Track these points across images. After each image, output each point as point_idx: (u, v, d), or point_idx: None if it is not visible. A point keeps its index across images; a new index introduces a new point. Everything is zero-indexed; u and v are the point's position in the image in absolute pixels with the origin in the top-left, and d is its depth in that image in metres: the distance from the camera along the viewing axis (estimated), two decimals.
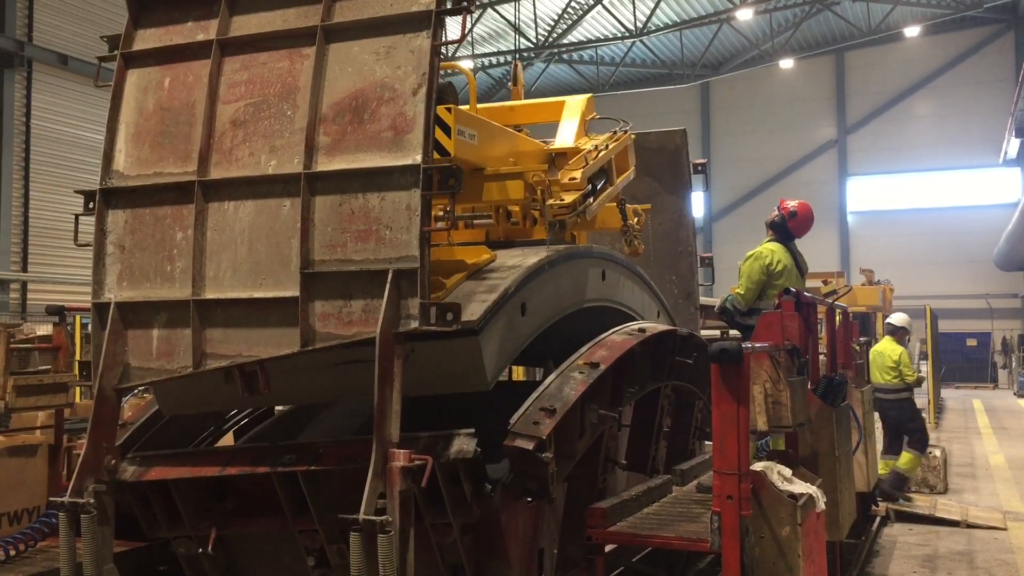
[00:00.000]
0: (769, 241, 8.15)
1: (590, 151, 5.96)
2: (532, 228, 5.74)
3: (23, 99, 20.93)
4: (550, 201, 5.33)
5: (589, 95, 6.86)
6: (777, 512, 4.18)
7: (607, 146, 6.16)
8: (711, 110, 40.15)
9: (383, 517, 3.48)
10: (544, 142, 6.23)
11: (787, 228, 8.20)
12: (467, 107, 5.35)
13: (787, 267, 7.91)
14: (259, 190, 3.99)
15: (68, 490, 3.96)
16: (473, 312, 4.16)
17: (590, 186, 5.75)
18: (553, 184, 5.55)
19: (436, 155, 4.21)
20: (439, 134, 4.49)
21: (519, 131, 6.14)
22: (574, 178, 5.62)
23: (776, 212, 8.30)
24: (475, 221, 5.73)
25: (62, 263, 21.09)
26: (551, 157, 5.98)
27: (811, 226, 8.32)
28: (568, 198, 5.46)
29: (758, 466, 4.32)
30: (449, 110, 4.64)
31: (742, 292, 7.86)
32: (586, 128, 6.58)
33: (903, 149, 36.80)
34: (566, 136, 6.34)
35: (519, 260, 4.85)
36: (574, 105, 6.60)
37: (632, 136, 6.65)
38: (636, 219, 6.69)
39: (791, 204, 8.32)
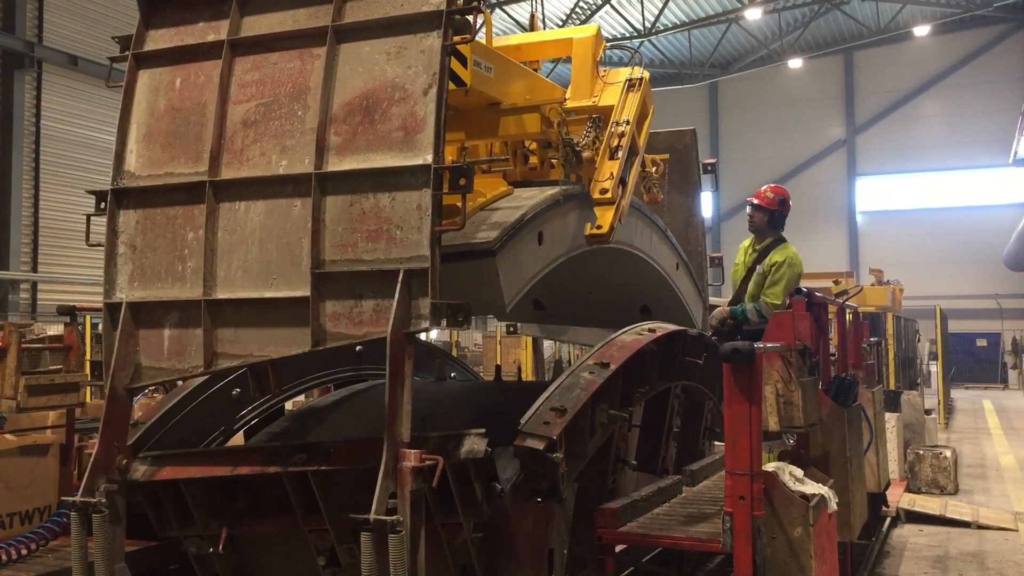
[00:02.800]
0: (785, 243, 7.07)
1: (613, 131, 5.80)
2: (549, 171, 5.76)
3: (33, 100, 20.98)
4: (589, 231, 5.30)
5: (596, 28, 6.56)
6: (789, 513, 4.17)
7: (628, 121, 5.94)
8: (719, 110, 40.10)
9: (394, 517, 3.48)
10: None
11: (783, 216, 7.20)
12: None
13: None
14: (270, 190, 4.00)
15: (80, 489, 3.97)
16: (489, 234, 4.17)
17: (622, 187, 5.70)
18: (570, 125, 5.51)
19: (452, 85, 4.19)
20: (455, 65, 4.45)
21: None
22: (605, 190, 5.54)
23: (761, 211, 7.08)
24: (492, 168, 5.75)
25: (71, 263, 21.15)
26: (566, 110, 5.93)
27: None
28: (605, 222, 5.40)
29: (770, 466, 4.31)
30: (465, 41, 4.63)
31: (779, 303, 6.60)
32: (597, 68, 6.41)
33: (912, 149, 36.68)
34: (581, 87, 6.15)
35: (536, 193, 4.90)
36: (582, 46, 6.32)
37: (647, 74, 6.42)
38: (655, 168, 6.65)
39: (770, 192, 7.22)
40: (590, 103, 6.06)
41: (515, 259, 4.44)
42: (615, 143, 5.76)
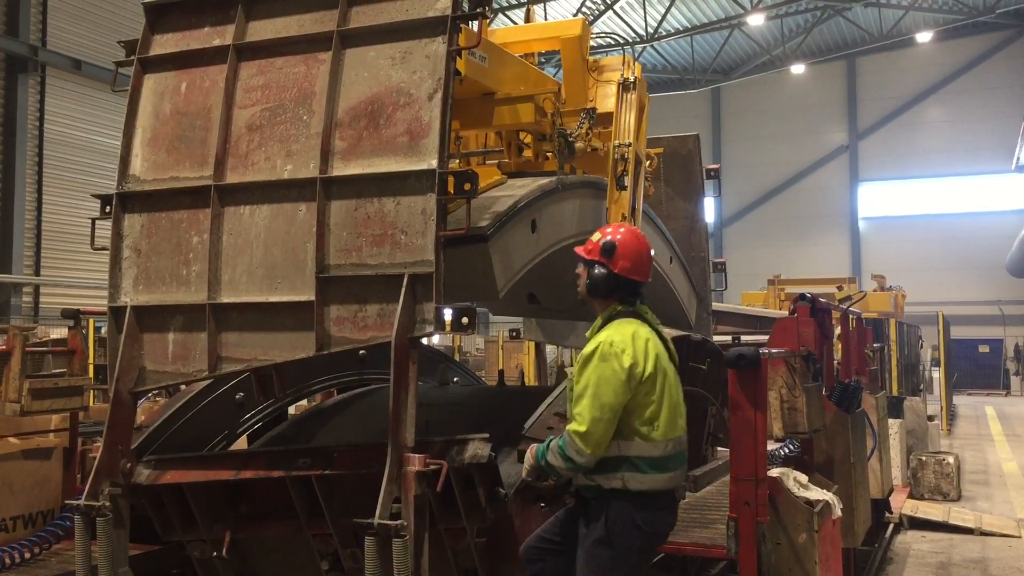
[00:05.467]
0: (614, 319, 3.86)
1: (616, 157, 5.76)
2: (543, 163, 5.78)
3: (37, 103, 21.02)
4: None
5: (580, 23, 6.26)
6: (794, 519, 4.16)
7: (629, 144, 5.88)
8: (722, 115, 40.12)
9: (398, 521, 3.49)
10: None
11: (620, 279, 3.87)
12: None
13: (661, 364, 3.79)
14: (275, 194, 4.01)
15: (84, 493, 3.97)
16: (483, 220, 4.20)
17: (633, 217, 5.67)
18: (564, 116, 5.51)
19: None
20: None
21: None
22: None
23: (582, 267, 3.97)
24: (487, 161, 5.76)
25: (74, 267, 21.19)
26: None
27: (646, 261, 3.96)
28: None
29: (774, 472, 4.31)
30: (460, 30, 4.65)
31: (584, 429, 3.58)
32: (587, 64, 6.31)
33: (915, 155, 36.69)
34: (575, 89, 6.07)
35: (529, 183, 4.94)
36: (570, 48, 6.12)
37: (639, 68, 6.20)
38: (648, 162, 6.64)
39: (608, 234, 3.93)
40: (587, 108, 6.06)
41: (508, 245, 4.46)
42: (620, 170, 5.71)
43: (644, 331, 3.78)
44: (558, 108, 5.45)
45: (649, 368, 3.67)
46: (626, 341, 3.70)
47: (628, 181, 5.68)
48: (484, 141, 6.05)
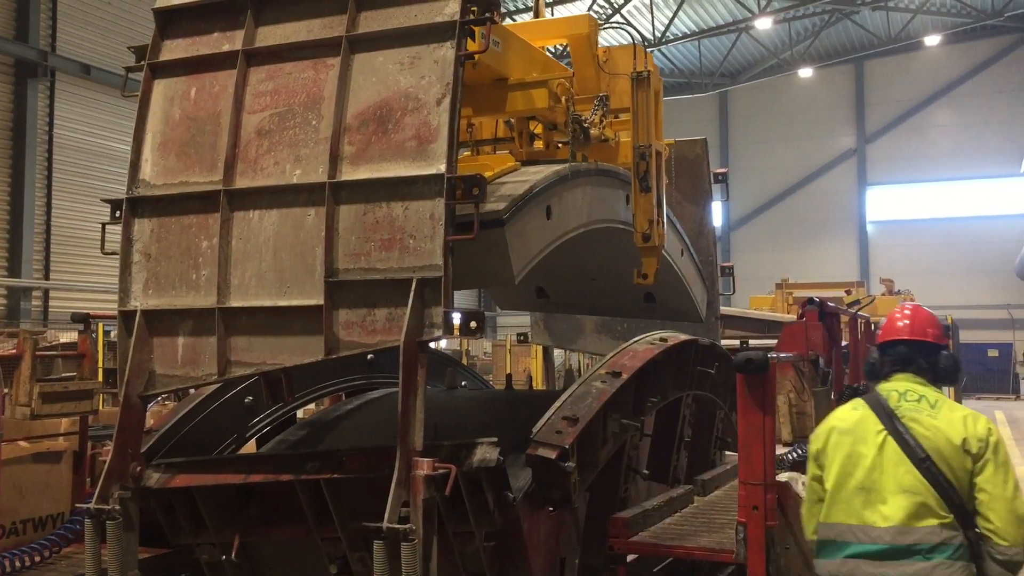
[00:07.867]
0: None
1: (638, 161, 5.70)
2: (555, 152, 5.75)
3: (46, 108, 21.09)
4: (635, 280, 5.31)
5: (587, 19, 6.21)
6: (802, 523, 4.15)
7: (650, 145, 5.83)
8: (729, 119, 40.06)
9: (407, 525, 3.49)
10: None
11: (876, 351, 3.90)
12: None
13: (838, 440, 3.58)
14: (284, 199, 4.02)
15: (94, 496, 3.98)
16: (498, 205, 4.20)
17: (658, 214, 5.65)
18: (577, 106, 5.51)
19: None
20: None
21: None
22: (648, 236, 5.50)
23: None
24: (498, 151, 5.75)
25: (84, 271, 21.25)
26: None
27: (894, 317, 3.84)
28: (650, 270, 5.40)
29: (783, 476, 4.30)
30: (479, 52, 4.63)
31: None
32: (598, 58, 6.25)
33: (923, 158, 36.57)
34: (586, 86, 6.05)
35: (543, 169, 4.94)
36: (579, 44, 6.09)
37: (651, 58, 6.13)
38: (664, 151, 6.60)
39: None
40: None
41: (524, 231, 4.46)
42: (643, 170, 5.66)
43: (844, 409, 3.60)
44: (572, 95, 5.43)
45: (818, 444, 3.56)
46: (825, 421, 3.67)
47: (652, 182, 5.65)
48: (495, 131, 6.02)
